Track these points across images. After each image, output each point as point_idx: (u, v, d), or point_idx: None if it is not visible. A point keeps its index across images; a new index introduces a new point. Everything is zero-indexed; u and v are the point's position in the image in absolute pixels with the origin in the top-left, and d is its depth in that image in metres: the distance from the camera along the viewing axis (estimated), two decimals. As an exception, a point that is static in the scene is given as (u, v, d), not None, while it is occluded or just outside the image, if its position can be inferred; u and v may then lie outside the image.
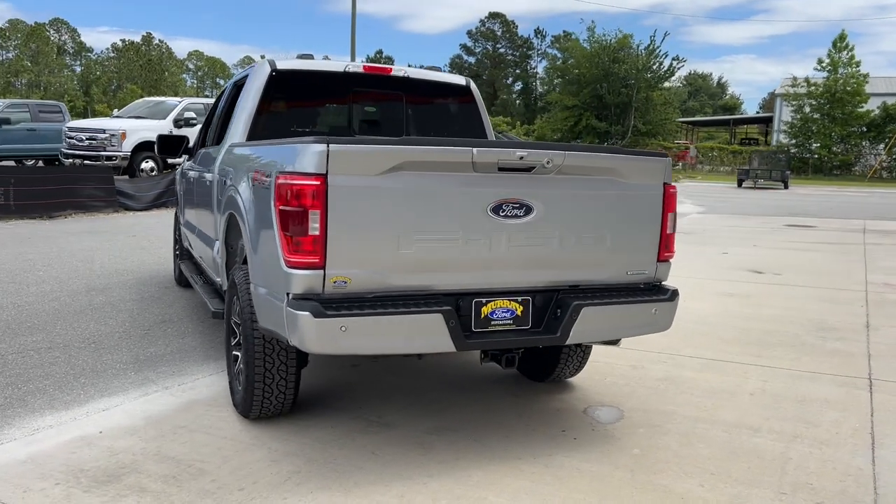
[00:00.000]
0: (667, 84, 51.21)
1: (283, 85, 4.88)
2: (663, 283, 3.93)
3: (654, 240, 3.80)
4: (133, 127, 16.95)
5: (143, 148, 16.68)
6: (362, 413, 4.18)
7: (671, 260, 3.94)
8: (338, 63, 5.00)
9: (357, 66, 5.04)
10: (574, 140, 49.87)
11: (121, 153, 16.37)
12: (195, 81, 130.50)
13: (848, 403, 4.52)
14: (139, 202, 14.41)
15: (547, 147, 3.48)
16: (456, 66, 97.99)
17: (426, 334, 3.25)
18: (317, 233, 3.09)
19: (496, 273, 3.47)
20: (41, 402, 4.28)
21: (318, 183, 3.07)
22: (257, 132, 4.75)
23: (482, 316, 3.47)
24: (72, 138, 16.81)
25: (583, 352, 4.54)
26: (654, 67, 48.34)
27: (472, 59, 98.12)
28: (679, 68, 49.26)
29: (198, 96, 61.91)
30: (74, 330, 5.79)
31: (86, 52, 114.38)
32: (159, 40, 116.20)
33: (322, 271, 3.14)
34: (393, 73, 5.20)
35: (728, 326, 6.42)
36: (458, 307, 3.41)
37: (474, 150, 3.28)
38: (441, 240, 3.30)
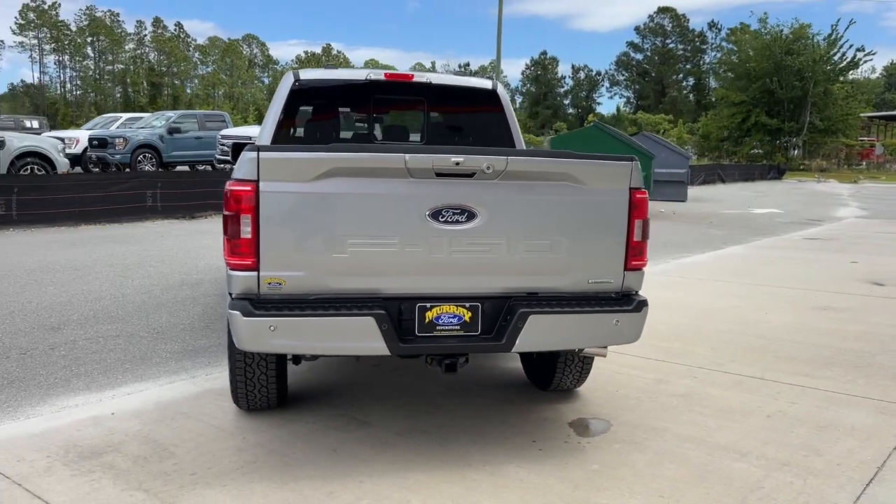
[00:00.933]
0: (852, 76, 47.07)
1: (306, 94, 5.13)
2: (635, 292, 3.74)
3: (620, 248, 3.63)
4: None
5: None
6: (349, 411, 4.32)
7: (644, 269, 3.74)
8: (360, 71, 5.17)
9: (379, 73, 5.19)
10: (742, 138, 47.13)
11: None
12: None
13: (874, 433, 4.05)
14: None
15: (487, 152, 3.44)
16: (622, 63, 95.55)
17: (357, 337, 3.34)
18: (248, 236, 3.27)
19: (440, 279, 3.47)
20: (82, 383, 4.80)
21: (249, 189, 3.24)
22: (280, 140, 5.02)
23: (426, 321, 3.49)
24: (223, 145, 18.28)
25: (581, 361, 4.40)
26: (836, 59, 44.60)
27: (639, 56, 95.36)
28: (866, 60, 45.10)
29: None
30: (147, 321, 6.39)
31: (272, 64, 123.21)
32: (338, 51, 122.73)
33: (256, 273, 3.31)
34: (415, 79, 5.29)
35: (794, 342, 5.91)
36: (400, 311, 3.46)
37: (407, 156, 3.32)
38: (377, 244, 3.37)
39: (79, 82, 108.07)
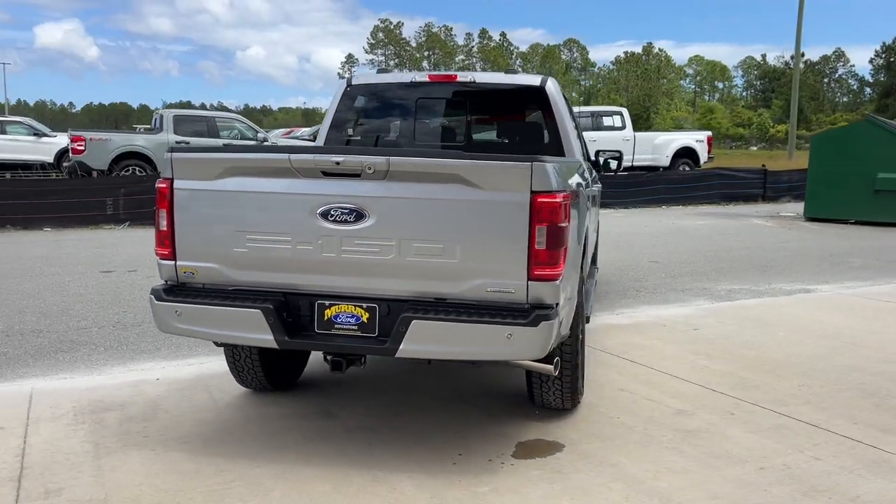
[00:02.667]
0: None
1: (356, 98, 5.39)
2: (549, 305, 3.38)
3: (520, 256, 3.32)
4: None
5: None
6: (329, 405, 4.48)
7: (557, 280, 3.37)
8: (408, 74, 5.28)
9: (423, 75, 5.25)
10: None
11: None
12: (694, 87, 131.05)
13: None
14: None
15: (369, 152, 3.39)
16: None
17: (248, 327, 3.53)
18: (165, 228, 3.65)
19: (335, 278, 3.52)
20: (164, 353, 5.60)
21: (165, 185, 3.62)
22: (331, 142, 5.35)
23: (325, 318, 3.56)
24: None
25: (561, 381, 4.06)
26: None
27: None
28: None
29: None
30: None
31: (590, 67, 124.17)
32: (658, 49, 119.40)
33: (174, 262, 3.68)
34: (458, 79, 5.24)
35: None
36: (298, 306, 3.58)
37: (291, 156, 3.43)
38: (271, 241, 3.53)
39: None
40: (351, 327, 3.53)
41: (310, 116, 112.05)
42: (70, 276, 8.62)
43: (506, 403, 4.46)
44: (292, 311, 3.58)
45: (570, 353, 4.01)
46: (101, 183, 14.41)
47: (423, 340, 3.36)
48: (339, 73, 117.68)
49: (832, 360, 5.40)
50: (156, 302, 3.66)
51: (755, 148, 76.77)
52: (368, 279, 3.49)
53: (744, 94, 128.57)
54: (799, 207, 16.31)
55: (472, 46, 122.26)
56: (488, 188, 3.31)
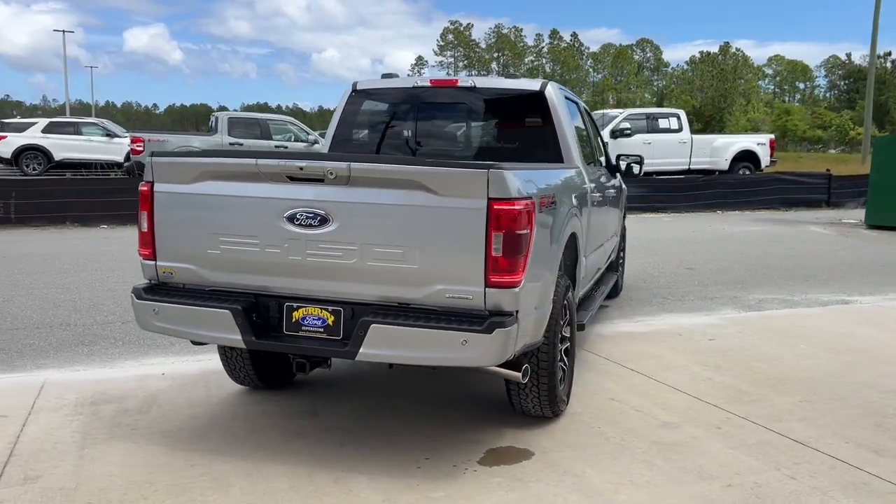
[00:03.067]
0: None
1: (361, 103, 5.46)
2: (508, 312, 3.37)
3: (477, 262, 3.32)
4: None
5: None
6: (317, 404, 4.55)
7: (517, 287, 3.35)
8: (412, 79, 5.33)
9: (425, 80, 5.28)
10: None
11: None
12: (773, 87, 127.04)
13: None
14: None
15: (331, 158, 3.45)
16: None
17: (218, 327, 3.64)
18: (146, 230, 3.79)
19: (302, 280, 3.59)
20: (177, 348, 5.78)
21: (146, 189, 3.77)
22: (336, 146, 5.45)
23: (294, 320, 3.64)
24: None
25: (538, 388, 4.03)
26: None
27: None
28: None
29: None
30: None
31: (663, 67, 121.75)
32: (736, 49, 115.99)
33: (154, 262, 3.82)
34: (459, 84, 5.25)
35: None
36: (268, 308, 3.67)
37: (258, 161, 3.52)
38: (242, 243, 3.63)
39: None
40: (317, 329, 3.60)
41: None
42: (111, 272, 8.99)
43: (488, 409, 4.45)
44: (262, 312, 3.67)
45: (546, 360, 3.98)
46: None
47: (382, 345, 3.40)
48: (408, 76, 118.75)
49: (848, 376, 5.19)
50: (136, 300, 3.81)
51: (834, 151, 73.87)
52: (333, 283, 3.55)
53: (827, 94, 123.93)
54: (863, 214, 15.65)
55: (543, 47, 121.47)
56: (447, 194, 3.32)
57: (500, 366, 3.65)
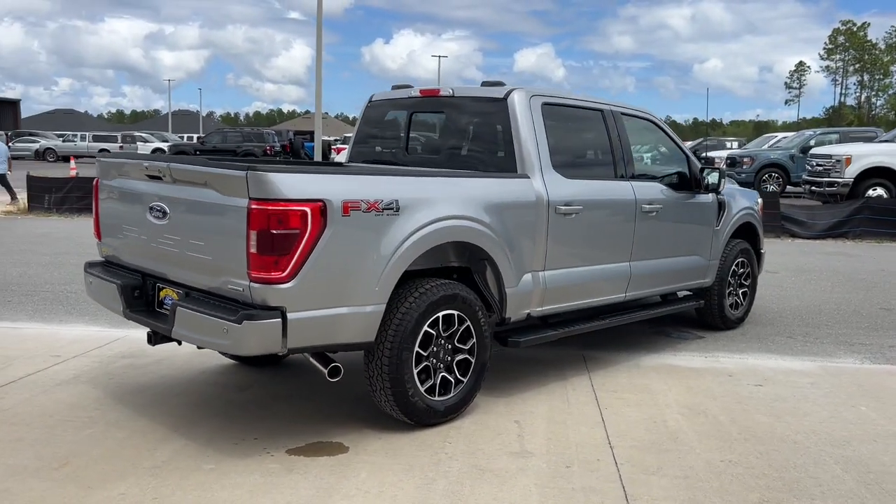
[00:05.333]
0: None
1: (374, 112, 5.79)
2: (270, 306, 3.55)
3: (243, 257, 3.56)
4: (861, 152, 15.63)
5: (869, 174, 15.29)
6: (281, 382, 5.08)
7: (281, 284, 3.52)
8: (406, 90, 5.52)
9: (416, 90, 5.43)
10: None
11: (842, 179, 15.42)
12: None
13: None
14: (809, 230, 13.76)
15: (163, 159, 3.96)
16: None
17: (112, 300, 4.38)
18: (93, 216, 4.71)
19: (161, 265, 4.18)
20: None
21: (96, 182, 4.68)
22: (355, 150, 5.89)
23: (159, 299, 4.24)
24: (811, 164, 16.76)
25: (384, 391, 4.06)
26: None
27: None
28: None
29: None
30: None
31: None
32: None
33: (99, 242, 4.73)
34: (441, 93, 5.27)
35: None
36: (147, 287, 4.31)
37: (127, 161, 4.20)
38: (130, 230, 4.35)
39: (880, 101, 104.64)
40: (168, 309, 4.13)
41: (761, 129, 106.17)
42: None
43: (366, 409, 4.49)
44: (144, 290, 4.33)
45: (388, 364, 4.00)
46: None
47: (182, 326, 3.83)
48: (785, 83, 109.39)
49: (855, 448, 4.11)
50: (83, 272, 4.74)
51: None
52: (177, 269, 4.07)
53: None
54: None
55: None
56: (226, 193, 3.64)
57: (316, 358, 3.86)
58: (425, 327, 4.14)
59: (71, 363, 5.36)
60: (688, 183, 6.10)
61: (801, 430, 4.38)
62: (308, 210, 3.57)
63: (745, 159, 21.27)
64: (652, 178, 5.94)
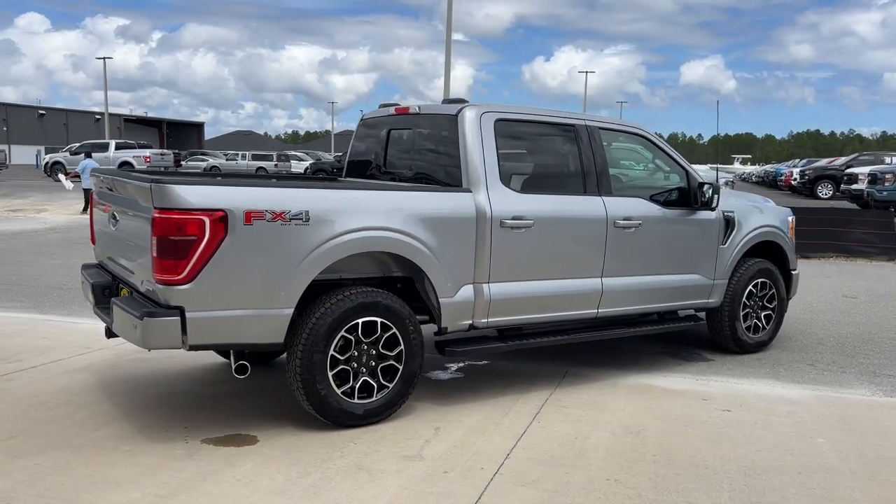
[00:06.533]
0: None
1: (364, 129, 6.11)
2: (172, 305, 3.95)
3: (149, 260, 3.98)
4: None
5: None
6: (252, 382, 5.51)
7: (184, 286, 3.91)
8: (386, 109, 5.80)
9: (393, 109, 5.70)
10: None
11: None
12: None
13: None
14: (930, 254, 12.47)
15: (116, 174, 4.49)
16: None
17: (87, 295, 4.98)
18: (89, 223, 5.37)
19: (121, 268, 4.70)
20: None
21: (91, 194, 5.34)
22: (348, 172, 6.24)
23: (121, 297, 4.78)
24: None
25: (298, 388, 4.35)
26: None
27: None
28: None
29: None
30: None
31: None
32: None
33: (94, 247, 5.36)
34: (410, 111, 5.47)
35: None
36: (116, 286, 4.86)
37: (103, 176, 4.77)
38: (103, 236, 4.94)
39: None
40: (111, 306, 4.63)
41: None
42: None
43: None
44: (112, 290, 4.87)
45: (300, 364, 4.27)
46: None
47: (116, 322, 4.31)
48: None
49: (766, 479, 3.88)
50: (80, 272, 5.40)
51: None
52: (125, 271, 4.58)
53: None
54: None
55: None
56: (143, 202, 4.09)
57: (235, 355, 4.26)
58: (342, 332, 4.37)
59: (93, 355, 6.06)
60: (687, 199, 5.90)
61: (724, 458, 4.17)
62: (206, 219, 3.93)
63: (888, 175, 19.49)
64: (639, 193, 5.81)
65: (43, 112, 76.18)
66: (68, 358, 5.93)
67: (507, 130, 5.16)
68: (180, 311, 3.96)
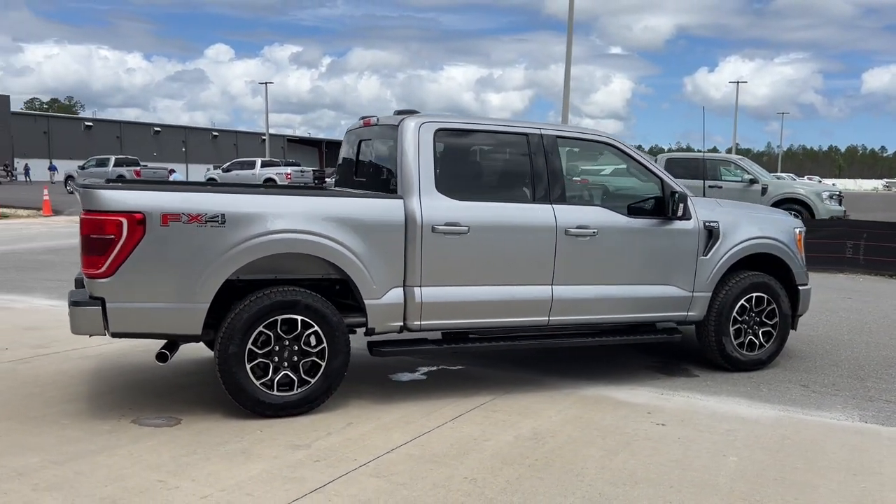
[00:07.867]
0: None
1: (346, 142, 6.43)
2: (95, 296, 4.44)
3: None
4: None
5: None
6: (202, 377, 5.99)
7: (103, 279, 4.41)
8: (361, 121, 6.11)
9: (361, 121, 5.99)
10: None
11: None
12: None
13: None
14: None
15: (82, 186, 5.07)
16: None
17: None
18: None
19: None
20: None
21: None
22: (336, 180, 6.61)
23: (94, 292, 5.38)
24: None
25: (221, 379, 4.73)
26: None
27: None
28: None
29: None
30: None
31: None
32: None
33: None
34: (371, 122, 5.72)
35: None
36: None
37: (75, 189, 5.40)
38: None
39: None
40: (73, 298, 5.21)
41: None
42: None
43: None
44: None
45: (220, 357, 4.65)
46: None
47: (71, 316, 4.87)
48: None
49: (639, 490, 3.77)
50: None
51: None
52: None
53: None
54: None
55: None
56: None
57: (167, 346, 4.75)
58: (261, 328, 4.70)
59: (112, 346, 6.76)
60: (663, 209, 5.74)
61: (606, 468, 4.07)
62: (125, 220, 4.40)
63: None
64: (606, 202, 5.74)
65: (216, 134, 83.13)
66: (90, 346, 6.65)
67: (450, 141, 5.30)
68: (102, 302, 4.45)
